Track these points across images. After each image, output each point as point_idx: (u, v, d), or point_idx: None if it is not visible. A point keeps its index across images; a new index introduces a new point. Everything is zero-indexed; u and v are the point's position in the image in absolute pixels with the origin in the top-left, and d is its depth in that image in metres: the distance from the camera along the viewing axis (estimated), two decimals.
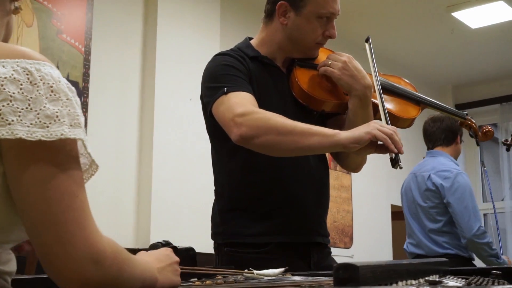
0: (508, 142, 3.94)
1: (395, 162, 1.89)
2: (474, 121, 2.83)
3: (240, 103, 1.94)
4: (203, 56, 5.55)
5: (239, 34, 6.34)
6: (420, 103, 2.30)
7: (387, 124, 2.00)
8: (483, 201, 8.18)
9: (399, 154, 1.89)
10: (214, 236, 2.17)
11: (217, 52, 6.10)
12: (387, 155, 1.92)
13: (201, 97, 2.14)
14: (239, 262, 1.95)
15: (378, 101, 2.11)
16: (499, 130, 7.96)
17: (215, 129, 2.07)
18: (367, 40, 2.29)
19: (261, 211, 2.07)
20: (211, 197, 2.21)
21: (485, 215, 8.11)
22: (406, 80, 2.39)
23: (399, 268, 1.08)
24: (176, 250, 1.38)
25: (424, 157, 4.29)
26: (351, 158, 2.23)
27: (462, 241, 4.13)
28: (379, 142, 1.89)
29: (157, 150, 4.91)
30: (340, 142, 1.85)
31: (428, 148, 4.23)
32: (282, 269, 1.48)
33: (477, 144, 3.62)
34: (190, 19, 5.34)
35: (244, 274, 1.51)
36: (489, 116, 8.03)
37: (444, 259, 1.45)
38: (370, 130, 1.86)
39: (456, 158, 4.27)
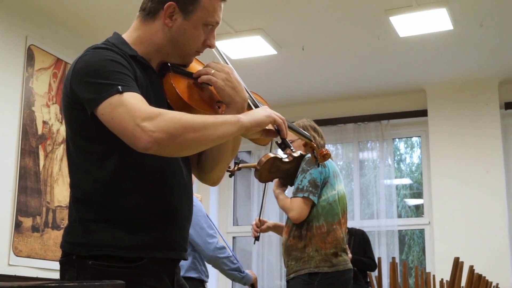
0: (231, 169, 4.05)
1: (285, 146, 2.03)
2: (316, 145, 2.93)
3: (140, 106, 1.78)
4: None
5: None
6: None
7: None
8: (233, 225, 8.54)
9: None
10: (72, 247, 1.92)
11: None
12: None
13: (72, 92, 1.91)
14: (107, 277, 1.81)
15: None
16: (252, 157, 8.37)
17: (88, 129, 1.89)
18: None
19: (135, 223, 1.90)
20: None
21: (234, 237, 8.47)
22: (261, 96, 2.39)
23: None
24: None
25: None
26: (215, 171, 2.18)
27: (204, 259, 4.30)
28: (268, 128, 2.00)
29: None
30: (244, 126, 1.90)
31: None
32: None
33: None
34: None
35: None
36: (243, 143, 8.38)
37: (119, 281, 1.48)
38: (270, 114, 1.96)
39: None
